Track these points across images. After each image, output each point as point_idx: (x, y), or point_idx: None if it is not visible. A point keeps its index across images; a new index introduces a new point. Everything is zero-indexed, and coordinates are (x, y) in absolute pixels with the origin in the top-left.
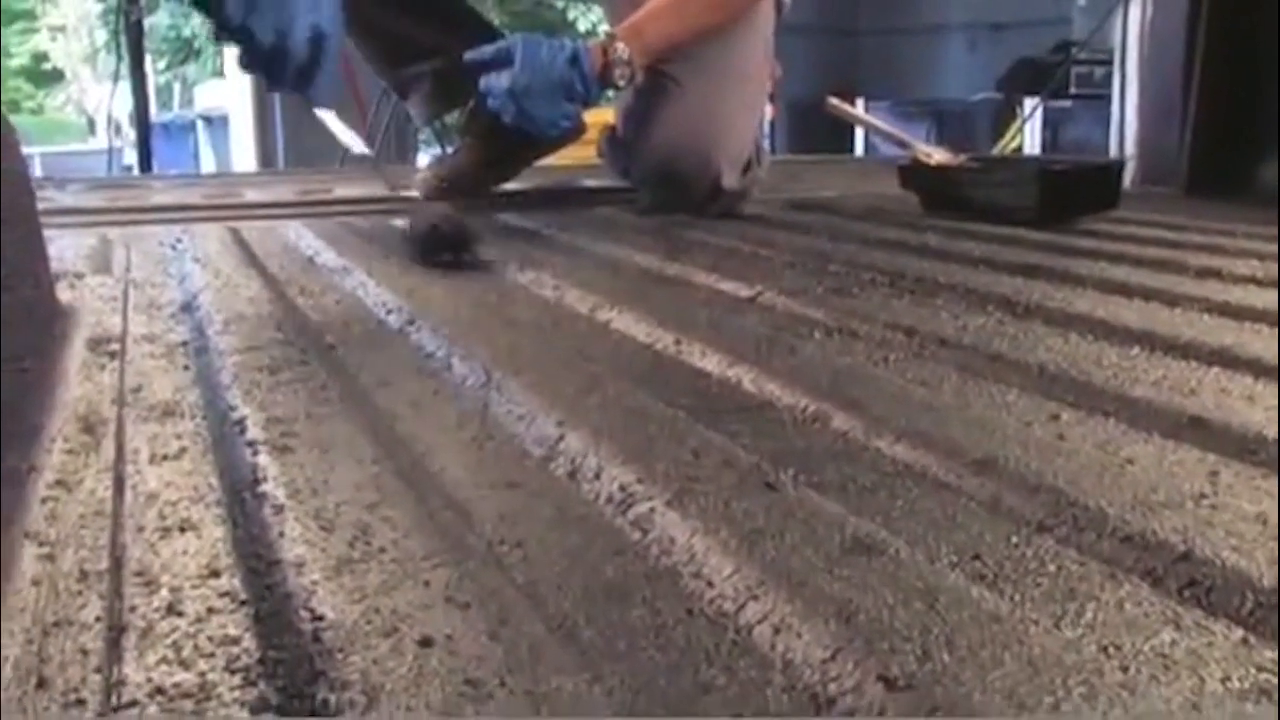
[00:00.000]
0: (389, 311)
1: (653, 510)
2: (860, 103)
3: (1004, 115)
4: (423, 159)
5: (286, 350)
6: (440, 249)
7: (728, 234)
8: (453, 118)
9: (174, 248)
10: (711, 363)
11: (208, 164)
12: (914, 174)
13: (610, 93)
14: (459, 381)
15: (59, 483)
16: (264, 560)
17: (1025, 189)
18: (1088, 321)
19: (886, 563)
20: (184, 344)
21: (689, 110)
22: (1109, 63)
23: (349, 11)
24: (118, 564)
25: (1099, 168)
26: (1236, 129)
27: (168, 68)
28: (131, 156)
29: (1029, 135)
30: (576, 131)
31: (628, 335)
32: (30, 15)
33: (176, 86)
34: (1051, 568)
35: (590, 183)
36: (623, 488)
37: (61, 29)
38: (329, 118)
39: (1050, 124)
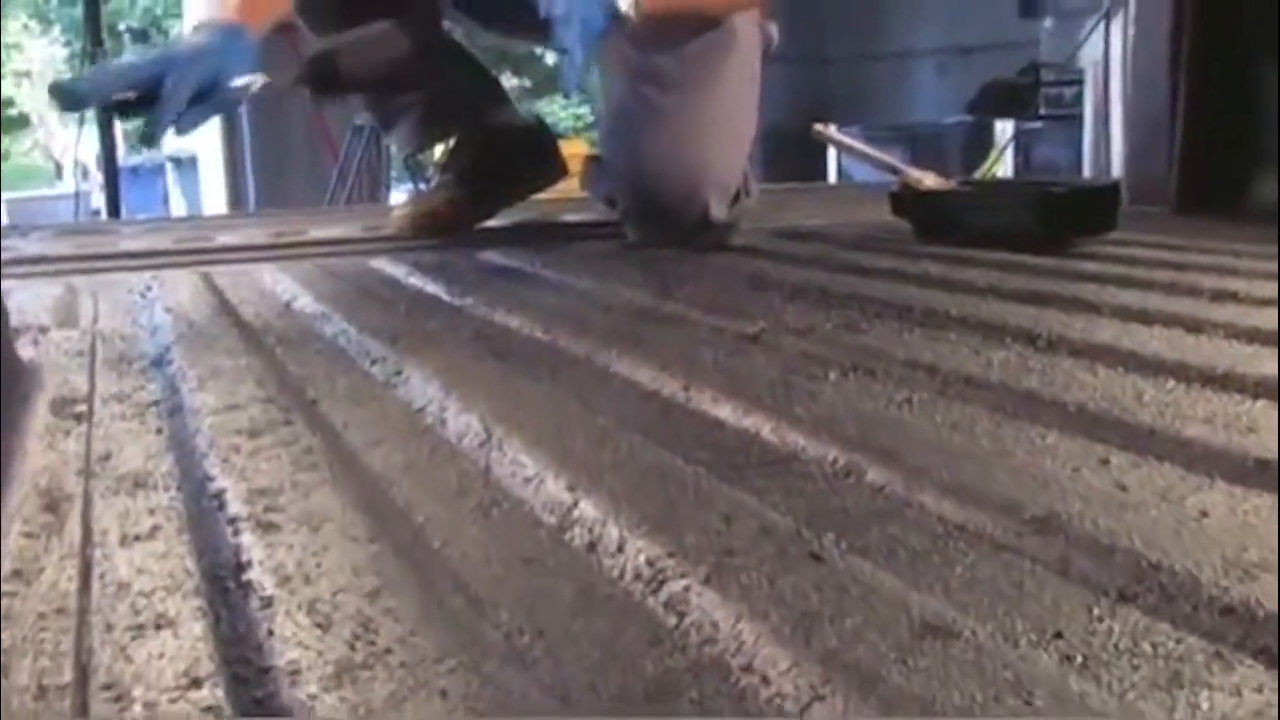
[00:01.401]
0: (373, 361)
1: (688, 589)
2: (832, 129)
3: (977, 137)
4: (396, 196)
5: (267, 408)
6: None
7: (720, 268)
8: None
9: (144, 296)
10: (725, 411)
11: (178, 207)
12: (906, 200)
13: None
14: (456, 439)
15: (16, 574)
16: (252, 666)
17: (1023, 213)
18: (1115, 353)
19: (964, 648)
20: (156, 403)
21: (675, 140)
22: (1079, 83)
23: (335, 39)
24: (83, 674)
25: (1097, 190)
26: (1224, 146)
27: None
28: (100, 200)
29: (1001, 162)
30: (557, 174)
31: (631, 381)
32: None
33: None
34: (1147, 646)
35: (572, 218)
36: (650, 562)
37: (27, 74)
38: None
39: (1021, 145)
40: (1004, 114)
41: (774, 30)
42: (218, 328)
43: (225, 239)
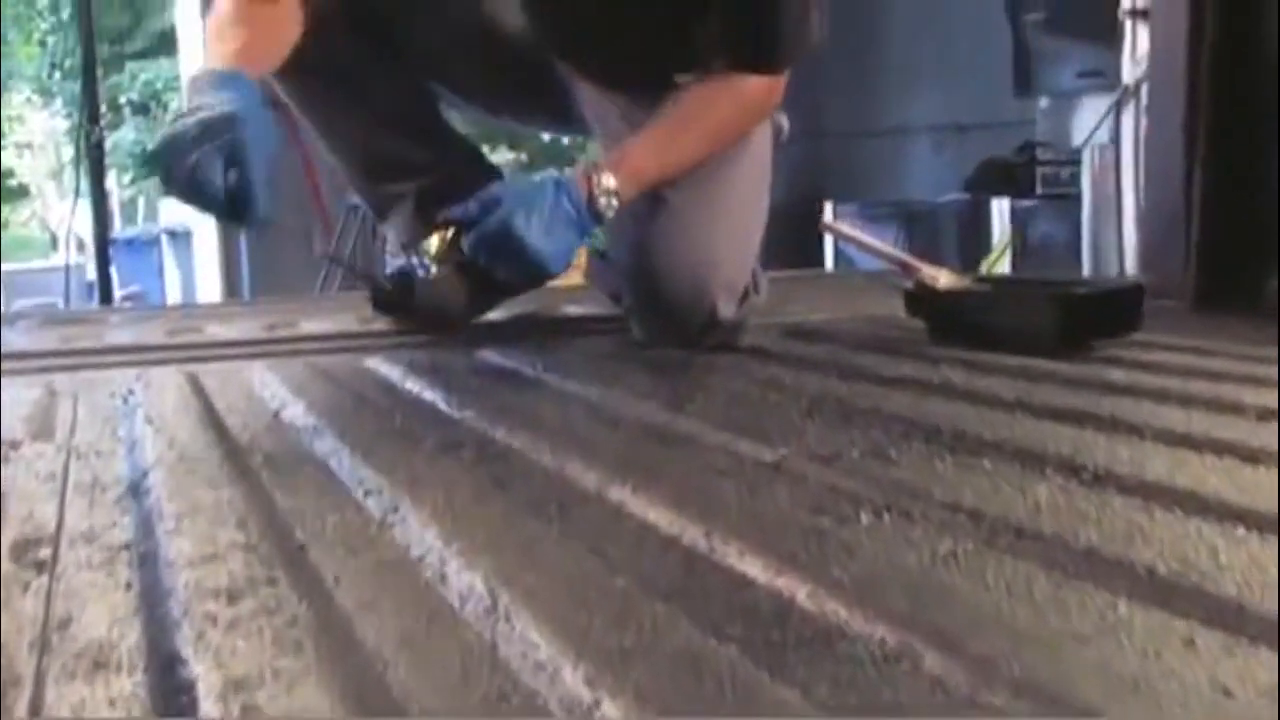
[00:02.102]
0: (368, 493)
1: None
2: (828, 207)
3: (973, 216)
4: None
5: (249, 560)
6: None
7: (730, 373)
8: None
9: (126, 400)
10: (755, 567)
11: (172, 280)
12: (921, 300)
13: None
14: (458, 603)
15: None
16: None
17: (1046, 317)
18: (1171, 493)
19: None
20: (127, 547)
21: (683, 237)
22: (1075, 163)
23: (323, 124)
24: None
25: (1122, 291)
26: (1243, 239)
27: (132, 181)
28: (94, 273)
29: (996, 235)
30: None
31: (648, 524)
32: None
33: (141, 201)
34: None
35: (574, 310)
36: None
37: (29, 145)
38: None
39: (1017, 223)
40: (1000, 192)
41: (784, 120)
42: (201, 444)
43: (215, 330)
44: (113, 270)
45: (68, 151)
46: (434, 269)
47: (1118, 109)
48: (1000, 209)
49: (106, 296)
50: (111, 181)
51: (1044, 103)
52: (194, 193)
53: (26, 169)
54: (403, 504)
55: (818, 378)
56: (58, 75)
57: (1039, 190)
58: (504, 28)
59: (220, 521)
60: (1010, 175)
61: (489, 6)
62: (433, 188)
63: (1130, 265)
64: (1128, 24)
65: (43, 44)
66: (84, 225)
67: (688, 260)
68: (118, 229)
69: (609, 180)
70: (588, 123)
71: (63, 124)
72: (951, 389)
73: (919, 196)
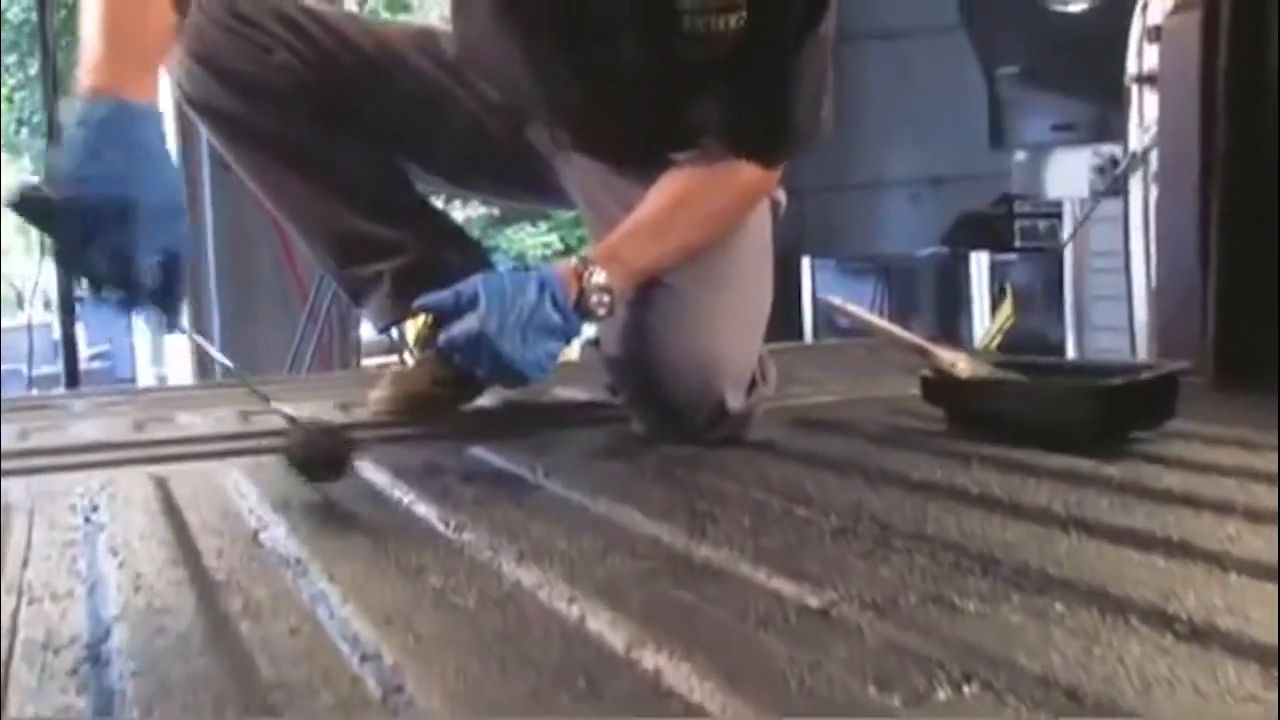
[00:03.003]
0: (364, 657)
1: None
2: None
3: (951, 269)
4: (369, 362)
5: None
6: (319, 469)
7: (746, 478)
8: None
9: (89, 519)
10: None
11: (141, 338)
12: (941, 389)
13: None
14: None
15: None
16: None
17: (1084, 410)
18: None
19: None
20: None
21: (686, 325)
22: (1054, 216)
23: (282, 202)
24: None
25: (1160, 381)
26: (1265, 314)
27: None
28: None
29: (977, 291)
30: None
31: (693, 706)
32: None
33: None
34: None
35: (566, 392)
36: None
37: None
38: (192, 335)
39: (996, 276)
40: (979, 246)
41: (781, 194)
42: (172, 587)
43: (187, 420)
44: (80, 328)
45: None
46: (415, 354)
47: (1125, 175)
48: (979, 262)
49: (72, 365)
50: None
51: (1020, 155)
52: (90, 281)
53: None
54: (407, 677)
55: (843, 484)
56: (25, 132)
57: (1018, 243)
58: (477, 96)
59: (192, 694)
60: (988, 228)
61: (459, 74)
62: (409, 268)
63: (1141, 337)
64: (1134, 89)
65: (10, 100)
66: (51, 283)
67: (692, 350)
68: (84, 285)
69: (601, 277)
70: (567, 195)
71: (31, 180)
72: (994, 501)
73: (896, 250)
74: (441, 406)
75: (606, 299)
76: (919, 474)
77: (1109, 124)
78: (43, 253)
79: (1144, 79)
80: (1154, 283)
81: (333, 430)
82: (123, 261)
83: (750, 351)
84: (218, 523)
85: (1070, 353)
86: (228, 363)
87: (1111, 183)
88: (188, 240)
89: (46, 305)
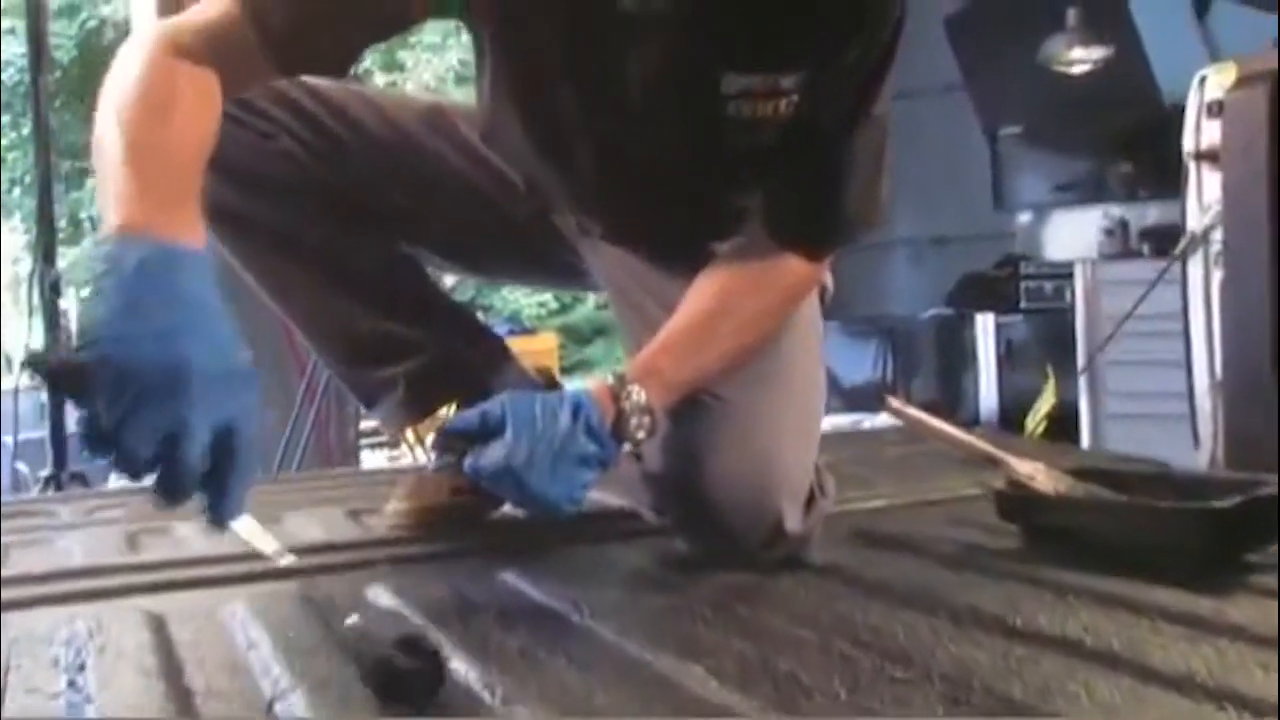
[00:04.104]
0: None
1: None
2: (911, 409)
3: (955, 331)
4: (369, 459)
5: None
6: (401, 692)
7: (819, 619)
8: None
9: (73, 683)
10: None
11: None
12: (1020, 505)
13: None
14: None
15: None
16: None
17: (1190, 535)
18: None
19: None
20: None
21: (735, 438)
22: (1058, 277)
23: (285, 301)
24: None
25: (1267, 501)
26: None
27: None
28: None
29: (982, 353)
30: None
31: None
32: None
33: None
34: None
35: (597, 495)
36: None
37: None
38: (243, 526)
39: (1002, 338)
40: (983, 307)
41: (829, 278)
42: None
43: (185, 534)
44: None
45: (25, 266)
46: (434, 462)
47: (1183, 262)
48: (984, 324)
49: (58, 434)
50: (69, 300)
51: (1024, 216)
52: (125, 463)
53: None
54: None
55: (926, 623)
56: (17, 191)
57: (1023, 304)
58: (494, 179)
59: None
60: (993, 290)
61: (473, 154)
62: (424, 370)
63: (1205, 434)
64: (1192, 166)
65: (4, 160)
66: (38, 346)
67: (744, 467)
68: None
69: (640, 397)
70: (592, 279)
71: (21, 239)
72: (1118, 660)
73: (900, 312)
74: (463, 518)
75: (646, 420)
76: (1016, 617)
77: (1110, 185)
78: (31, 312)
79: (1203, 155)
80: (1216, 375)
81: (419, 646)
82: (169, 441)
83: (807, 462)
84: (226, 684)
85: (1085, 417)
86: (287, 557)
87: (1166, 266)
88: (250, 411)
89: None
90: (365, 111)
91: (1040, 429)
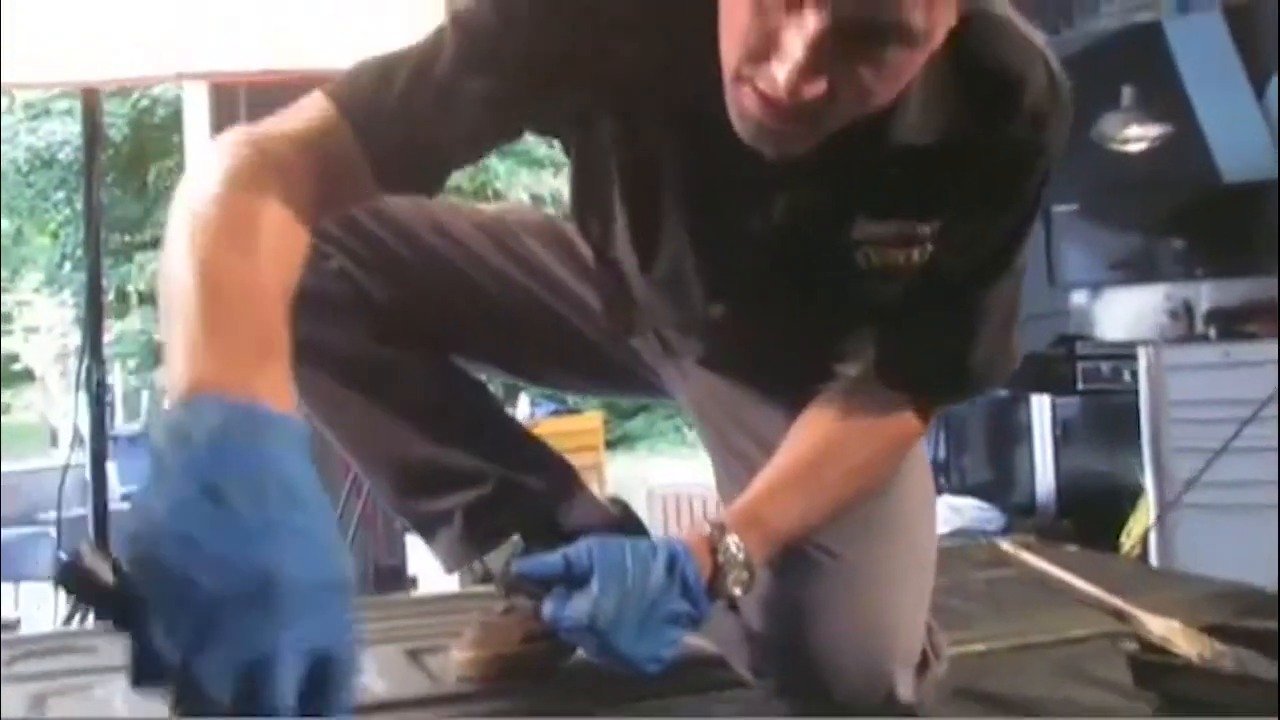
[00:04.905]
0: None
1: None
2: (1029, 556)
3: (1010, 412)
4: (424, 580)
5: None
6: None
7: None
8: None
9: None
10: None
11: None
12: (1160, 674)
13: None
14: None
15: None
16: None
17: None
18: None
19: None
20: None
21: (841, 597)
22: (1116, 357)
23: (346, 432)
24: None
25: None
26: None
27: (135, 371)
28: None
29: (1038, 434)
30: None
31: None
32: (8, 318)
33: (145, 395)
34: None
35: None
36: None
37: (35, 329)
38: None
39: (1058, 420)
40: (1039, 388)
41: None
42: None
43: None
44: (111, 468)
45: (73, 340)
46: (500, 599)
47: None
48: (1039, 405)
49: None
50: (115, 375)
51: (1079, 295)
52: (187, 700)
53: (32, 352)
54: None
55: None
56: (68, 266)
57: (1080, 386)
58: (566, 298)
59: None
60: (1048, 370)
61: (542, 274)
62: (484, 503)
63: None
64: None
65: (55, 235)
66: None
67: (857, 630)
68: (119, 423)
69: (740, 551)
70: (665, 390)
71: (70, 313)
72: None
73: None
74: (537, 666)
75: (745, 576)
76: None
77: (1166, 264)
78: (78, 387)
79: None
80: None
81: None
82: (249, 670)
83: (919, 622)
84: None
85: (1153, 509)
86: None
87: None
88: (351, 633)
89: (80, 443)
90: (425, 227)
91: (1136, 551)
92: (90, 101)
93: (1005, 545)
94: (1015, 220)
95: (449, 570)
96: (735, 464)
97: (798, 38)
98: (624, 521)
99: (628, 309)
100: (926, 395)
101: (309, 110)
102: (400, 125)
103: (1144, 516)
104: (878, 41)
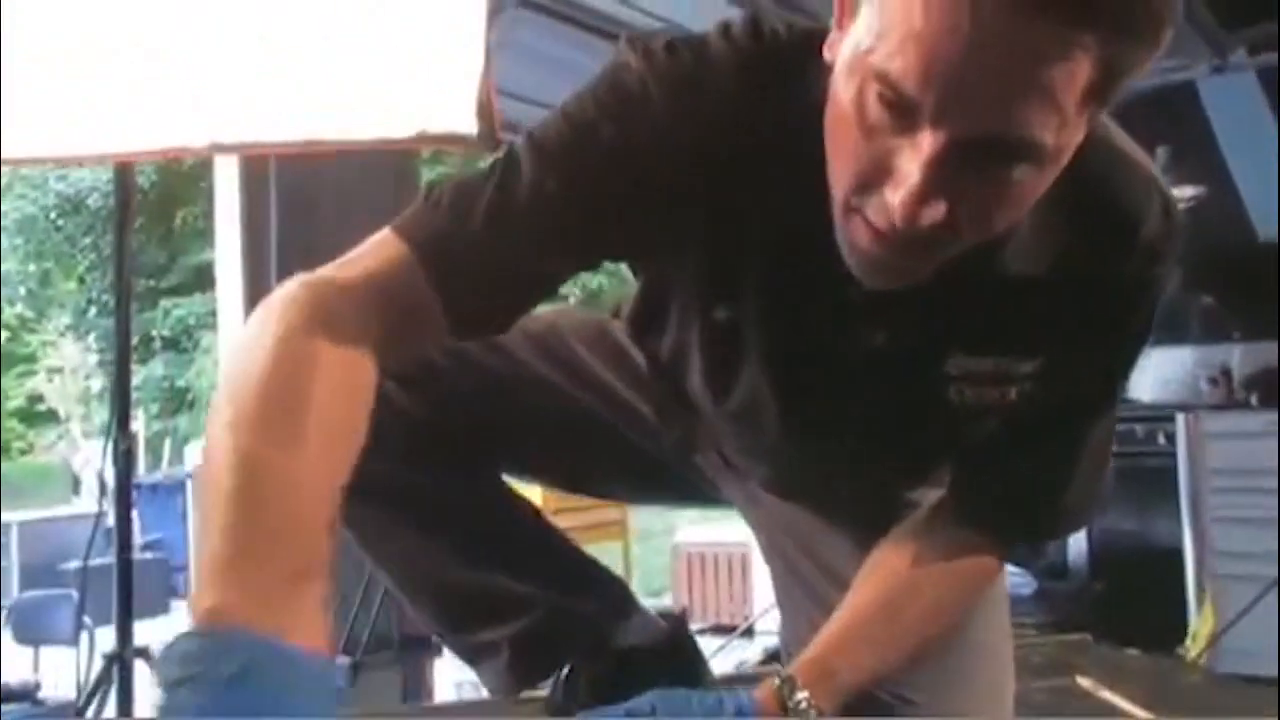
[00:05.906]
0: None
1: None
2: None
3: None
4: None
5: None
6: None
7: None
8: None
9: None
10: None
11: (195, 528)
12: None
13: None
14: None
15: None
16: None
17: None
18: None
19: None
20: None
21: None
22: (1148, 420)
23: (389, 561)
24: None
25: None
26: None
27: (157, 417)
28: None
29: None
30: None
31: None
32: (31, 359)
33: (167, 441)
34: None
35: None
36: None
37: (59, 370)
38: None
39: None
40: None
41: None
42: None
43: None
44: (134, 515)
45: (96, 383)
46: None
47: None
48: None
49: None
50: (138, 421)
51: None
52: None
53: (55, 393)
54: None
55: None
56: (93, 310)
57: (1114, 448)
58: (619, 410)
59: None
60: None
61: (594, 385)
62: (533, 632)
63: None
64: None
65: (81, 280)
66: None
67: None
68: (141, 471)
69: (810, 705)
70: (721, 497)
71: (93, 357)
72: None
73: None
74: None
75: None
76: None
77: (1201, 326)
78: (106, 437)
79: None
80: None
81: None
82: None
83: None
84: None
85: (1190, 576)
86: None
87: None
88: None
89: (104, 491)
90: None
91: (1204, 658)
92: (124, 169)
93: (1085, 684)
94: (1123, 354)
95: (495, 693)
96: (798, 590)
97: (913, 159)
98: (676, 639)
99: (689, 428)
100: (1009, 536)
101: (379, 252)
102: (477, 268)
103: (1207, 622)
104: (1003, 161)
